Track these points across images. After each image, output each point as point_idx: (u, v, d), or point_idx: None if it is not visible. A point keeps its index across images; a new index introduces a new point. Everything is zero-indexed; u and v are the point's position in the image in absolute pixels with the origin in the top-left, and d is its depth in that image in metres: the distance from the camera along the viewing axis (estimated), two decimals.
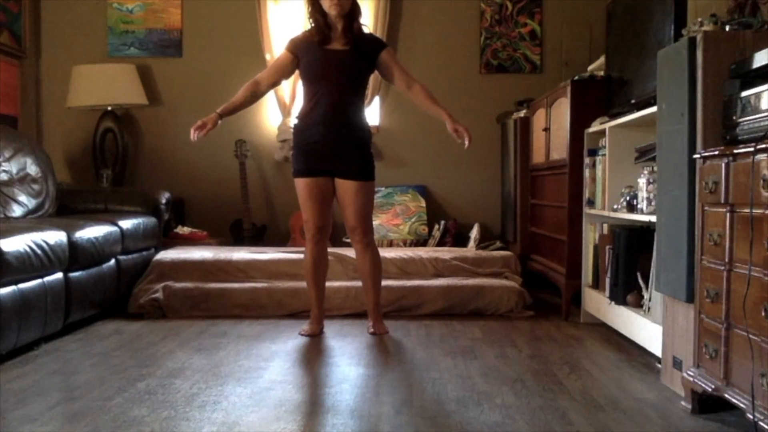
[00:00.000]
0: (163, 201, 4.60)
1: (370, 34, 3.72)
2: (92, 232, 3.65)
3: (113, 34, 5.39)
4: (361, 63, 3.48)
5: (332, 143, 3.43)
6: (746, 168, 2.01)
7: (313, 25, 3.47)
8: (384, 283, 3.74)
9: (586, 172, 3.75)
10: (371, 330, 3.57)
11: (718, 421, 2.30)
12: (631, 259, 3.22)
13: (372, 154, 3.56)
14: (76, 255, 3.44)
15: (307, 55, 3.46)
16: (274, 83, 3.62)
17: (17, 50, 5.07)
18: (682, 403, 2.43)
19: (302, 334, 3.50)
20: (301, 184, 3.50)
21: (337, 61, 3.42)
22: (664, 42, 2.87)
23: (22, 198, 4.06)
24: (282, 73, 3.55)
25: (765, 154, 1.92)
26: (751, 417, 1.96)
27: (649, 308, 3.05)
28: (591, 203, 3.73)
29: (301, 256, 3.70)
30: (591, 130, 3.72)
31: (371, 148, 3.58)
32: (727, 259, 2.15)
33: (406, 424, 2.26)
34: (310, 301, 3.61)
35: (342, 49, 3.44)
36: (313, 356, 3.16)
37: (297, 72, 3.56)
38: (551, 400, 2.49)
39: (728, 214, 2.14)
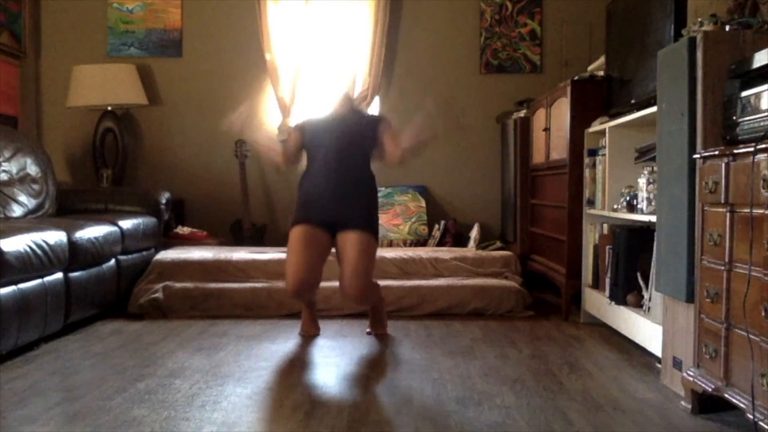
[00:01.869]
0: (163, 201, 4.60)
1: (373, 114, 3.89)
2: (92, 232, 3.65)
3: (113, 34, 5.39)
4: (362, 122, 3.51)
5: (336, 195, 3.34)
6: (746, 168, 2.01)
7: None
8: (384, 283, 3.74)
9: (586, 172, 3.75)
10: (368, 330, 3.57)
11: (718, 421, 2.30)
12: (631, 259, 3.22)
13: (377, 216, 3.48)
14: (76, 255, 3.44)
15: (310, 124, 3.54)
16: (297, 157, 3.58)
17: (17, 50, 5.07)
18: (682, 403, 2.43)
19: (302, 335, 3.51)
20: (295, 231, 3.34)
21: (338, 121, 3.48)
22: (664, 42, 2.87)
23: (22, 198, 4.07)
24: (299, 145, 3.53)
25: (765, 154, 1.92)
26: (751, 417, 1.96)
27: (649, 308, 3.05)
28: (591, 203, 3.73)
29: None
30: (591, 130, 3.72)
31: (377, 208, 3.51)
32: (727, 259, 2.15)
33: (406, 424, 2.26)
34: (301, 306, 3.61)
35: (344, 114, 3.53)
36: (313, 356, 3.16)
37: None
38: (551, 400, 2.49)
39: (728, 214, 2.14)
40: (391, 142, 3.43)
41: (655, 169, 2.84)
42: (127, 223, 4.06)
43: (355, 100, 3.70)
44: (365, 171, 3.46)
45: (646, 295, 3.10)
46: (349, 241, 3.28)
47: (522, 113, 4.82)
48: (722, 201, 2.18)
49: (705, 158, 2.30)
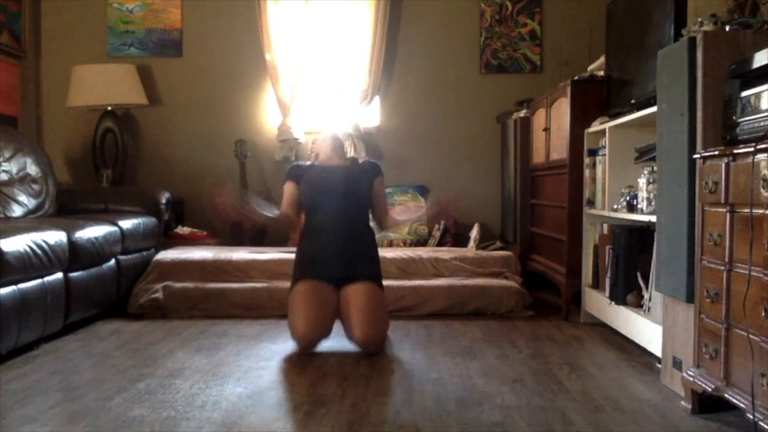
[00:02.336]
0: (163, 201, 4.60)
1: (366, 161, 3.70)
2: (92, 232, 3.65)
3: (113, 34, 5.39)
4: (361, 176, 3.43)
5: (341, 252, 3.28)
6: (746, 168, 2.01)
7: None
8: (384, 283, 3.72)
9: (586, 172, 3.75)
10: None
11: (718, 421, 2.30)
12: (631, 259, 3.22)
13: (380, 269, 3.42)
14: (76, 255, 3.44)
15: (307, 174, 3.45)
16: (297, 212, 3.47)
17: (17, 50, 5.07)
18: (682, 403, 2.43)
19: None
20: (301, 286, 3.24)
21: (336, 173, 3.41)
22: (664, 42, 2.87)
23: (22, 198, 4.07)
24: (297, 201, 3.45)
25: (765, 154, 1.92)
26: (751, 417, 1.96)
27: (649, 308, 3.05)
28: (591, 203, 3.73)
29: None
30: (591, 130, 3.72)
31: (380, 261, 3.44)
32: (727, 259, 2.15)
33: (406, 424, 2.26)
34: None
35: (341, 164, 3.47)
36: (313, 356, 3.16)
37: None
38: (551, 400, 2.49)
39: (728, 214, 2.14)
40: (380, 206, 3.45)
41: (655, 169, 2.84)
42: (127, 223, 4.06)
43: (344, 144, 3.65)
44: (366, 225, 3.44)
45: (646, 295, 3.09)
46: (354, 290, 3.21)
47: (522, 113, 4.82)
48: (722, 201, 2.18)
49: (705, 158, 2.30)
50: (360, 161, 3.63)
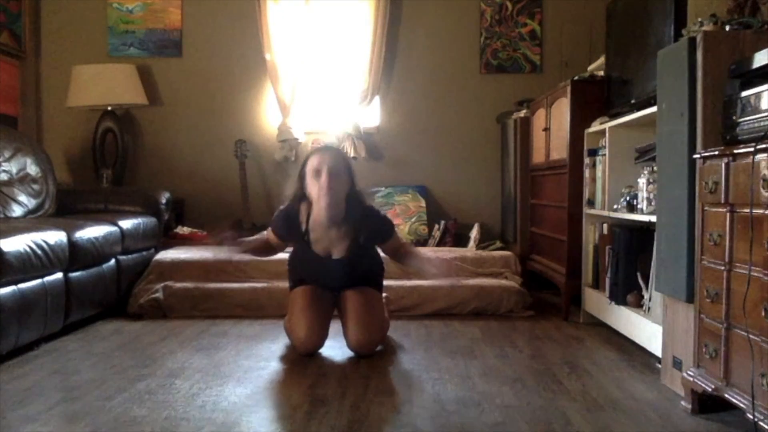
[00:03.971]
0: (163, 201, 4.60)
1: (373, 215, 3.20)
2: (92, 232, 3.65)
3: (113, 34, 5.39)
4: (363, 262, 3.27)
5: (336, 282, 3.26)
6: (746, 168, 2.01)
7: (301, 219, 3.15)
8: (384, 282, 3.73)
9: (586, 172, 3.75)
10: None
11: (718, 421, 2.30)
12: (631, 259, 3.22)
13: (382, 277, 3.40)
14: (76, 255, 3.44)
15: (298, 249, 3.30)
16: (282, 244, 3.38)
17: (17, 50, 5.07)
18: (682, 403, 2.43)
19: None
20: (301, 290, 3.23)
21: (333, 272, 3.21)
22: (664, 42, 2.87)
23: (22, 198, 4.06)
24: (281, 248, 3.39)
25: (765, 154, 1.92)
26: (751, 417, 1.96)
27: (649, 308, 3.05)
28: (591, 203, 3.73)
29: None
30: (591, 130, 3.72)
31: (383, 270, 3.40)
32: (727, 259, 2.15)
33: (406, 424, 2.26)
34: None
35: (338, 258, 3.17)
36: (313, 356, 3.16)
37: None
38: (551, 400, 2.49)
39: (728, 214, 2.14)
40: (395, 252, 3.33)
41: (655, 169, 2.84)
42: (127, 223, 4.06)
43: (348, 164, 3.16)
44: (370, 263, 3.34)
45: (646, 295, 3.10)
46: (351, 295, 3.20)
47: (522, 113, 4.82)
48: (722, 201, 2.18)
49: (705, 158, 2.30)
50: (366, 221, 3.14)
